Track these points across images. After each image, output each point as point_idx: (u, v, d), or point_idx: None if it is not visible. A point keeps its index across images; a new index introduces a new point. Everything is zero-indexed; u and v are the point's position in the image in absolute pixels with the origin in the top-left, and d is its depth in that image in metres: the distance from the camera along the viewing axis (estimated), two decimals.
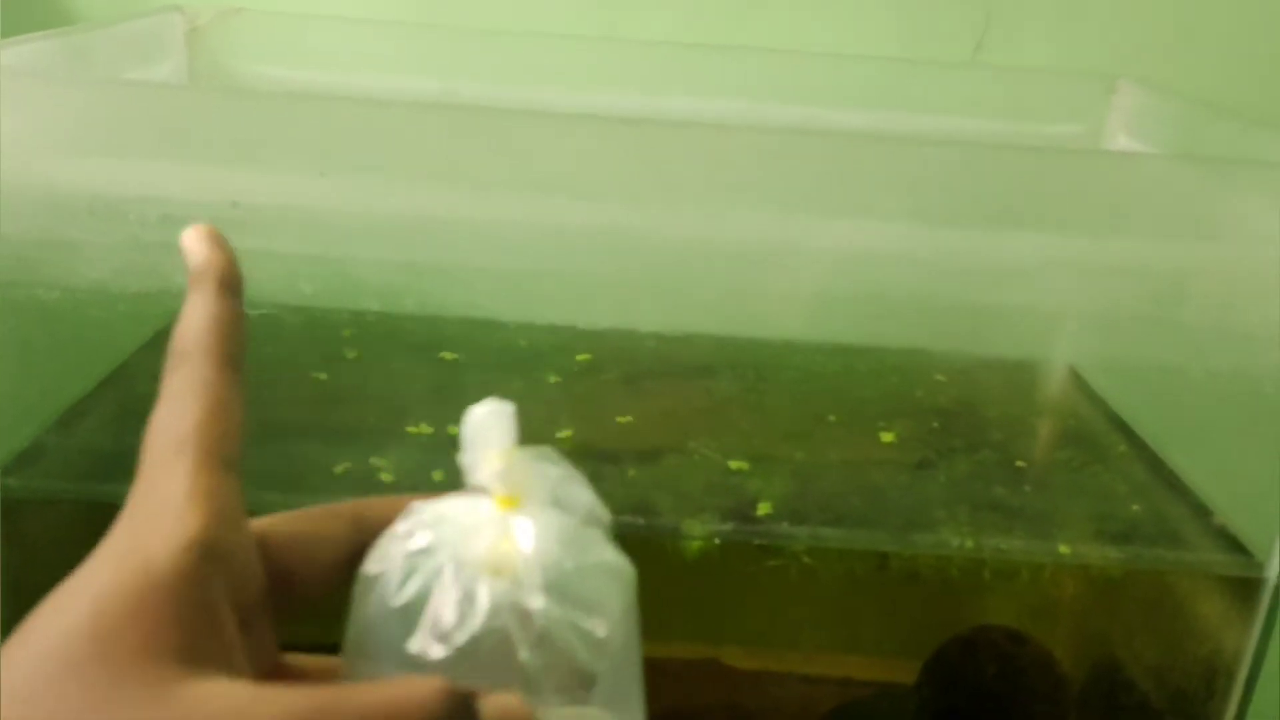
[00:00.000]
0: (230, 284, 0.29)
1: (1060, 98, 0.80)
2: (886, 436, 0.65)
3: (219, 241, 0.29)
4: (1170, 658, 0.61)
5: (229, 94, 0.65)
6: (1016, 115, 0.80)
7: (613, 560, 0.29)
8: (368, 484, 0.55)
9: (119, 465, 0.56)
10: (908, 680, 0.71)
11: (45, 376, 0.57)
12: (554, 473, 0.29)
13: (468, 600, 0.26)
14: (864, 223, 0.55)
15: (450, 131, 0.50)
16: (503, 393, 0.69)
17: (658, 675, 0.71)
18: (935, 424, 0.68)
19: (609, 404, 0.67)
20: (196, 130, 0.47)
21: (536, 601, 0.26)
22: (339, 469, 0.56)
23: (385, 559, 0.27)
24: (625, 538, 0.55)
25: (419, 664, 0.26)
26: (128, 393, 0.63)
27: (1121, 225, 0.53)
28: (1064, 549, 0.54)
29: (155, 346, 0.69)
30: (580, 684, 0.27)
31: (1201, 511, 0.59)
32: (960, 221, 0.54)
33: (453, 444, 0.61)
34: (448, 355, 0.72)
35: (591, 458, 0.60)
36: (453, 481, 0.57)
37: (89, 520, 0.61)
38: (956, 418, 0.69)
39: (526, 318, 0.77)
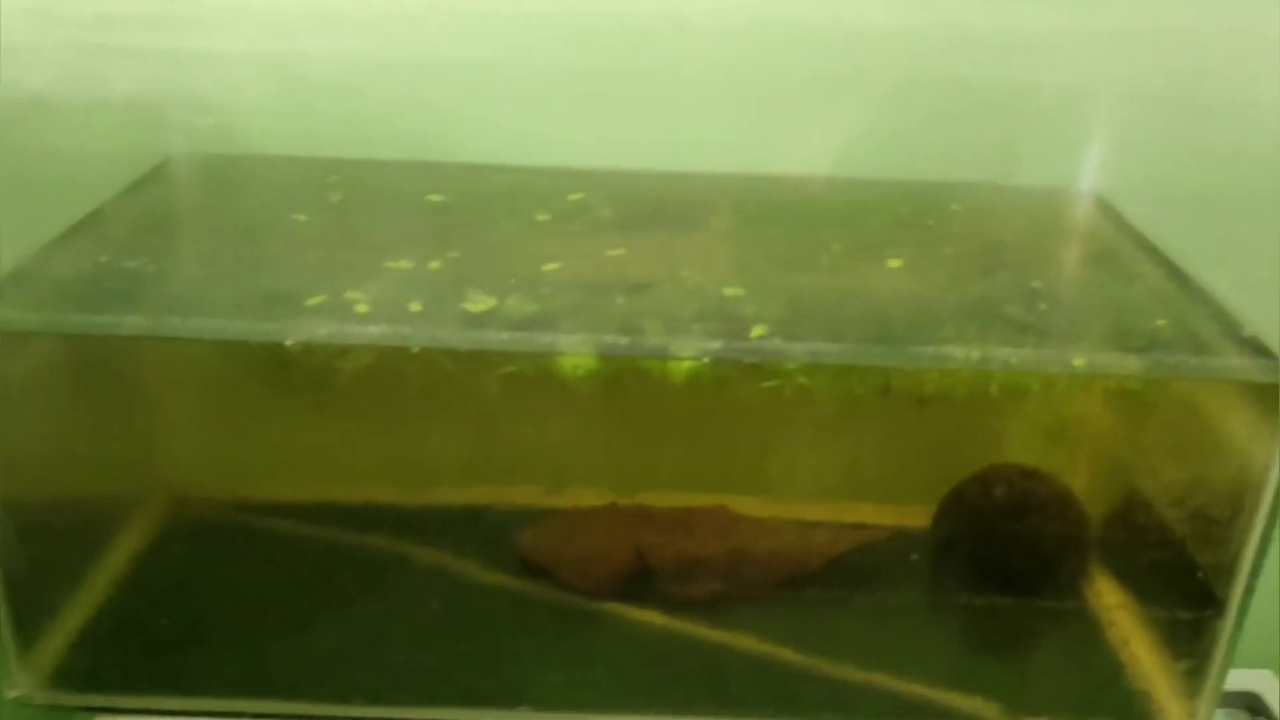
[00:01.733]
0: None
1: None
2: (894, 263, 0.62)
3: None
4: (1195, 480, 0.57)
5: None
6: None
7: None
8: (342, 314, 0.53)
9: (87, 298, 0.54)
10: (922, 525, 0.69)
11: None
12: None
13: None
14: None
15: None
16: (488, 231, 0.66)
17: (664, 523, 0.70)
18: (948, 250, 0.64)
19: (600, 239, 0.64)
20: None
21: None
22: (313, 301, 0.54)
23: None
24: (614, 363, 0.53)
25: None
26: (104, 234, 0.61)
27: None
28: (1079, 361, 0.50)
29: (133, 191, 0.67)
30: None
31: (1232, 325, 0.55)
32: None
33: (433, 278, 0.59)
34: (435, 198, 0.69)
35: (578, 288, 0.57)
36: (429, 312, 0.54)
37: (60, 359, 0.60)
38: (971, 244, 0.65)
39: (520, 160, 0.74)
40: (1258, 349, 0.52)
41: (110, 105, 0.50)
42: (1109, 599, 0.65)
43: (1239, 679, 0.84)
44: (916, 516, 0.70)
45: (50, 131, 0.52)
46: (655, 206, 0.70)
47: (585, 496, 0.70)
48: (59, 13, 0.41)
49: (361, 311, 0.53)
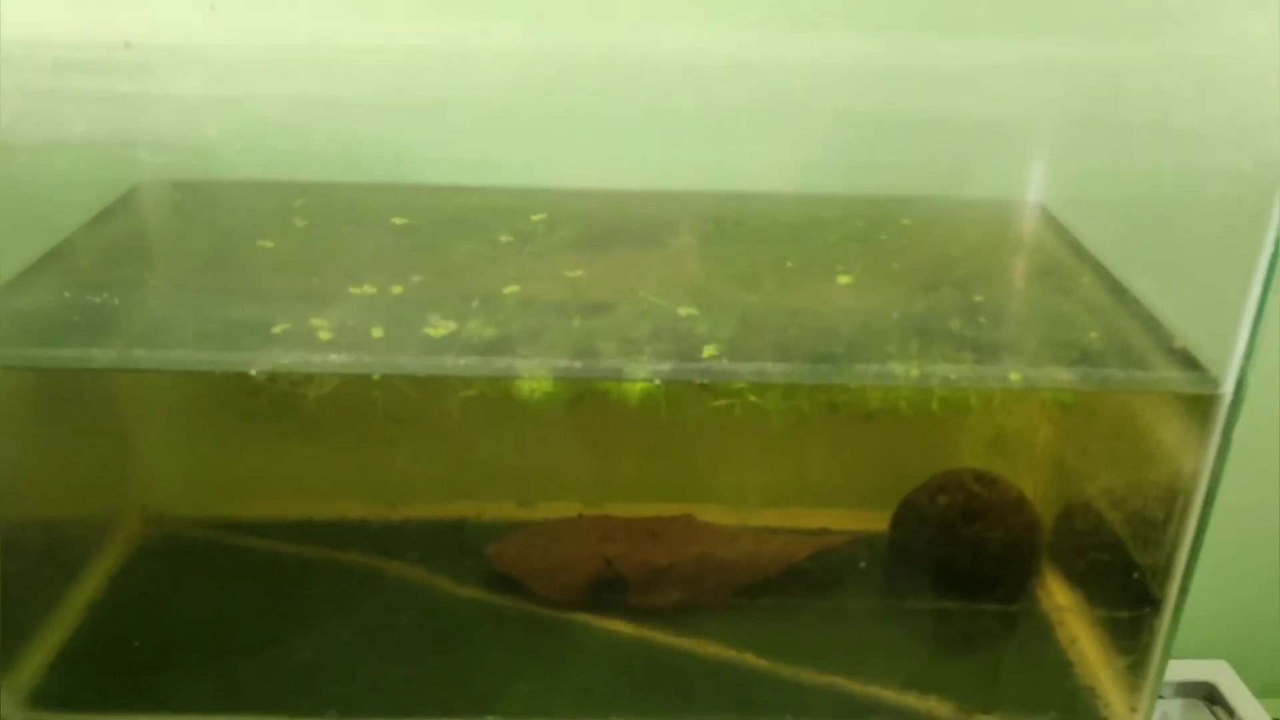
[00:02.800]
0: None
1: None
2: (844, 279, 0.64)
3: None
4: (1133, 485, 0.60)
5: None
6: None
7: None
8: (306, 343, 0.55)
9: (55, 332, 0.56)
10: (877, 530, 0.71)
11: None
12: None
13: None
14: (820, 37, 0.52)
15: None
16: (450, 253, 0.68)
17: (631, 533, 0.71)
18: (896, 265, 0.66)
19: (560, 260, 0.66)
20: None
21: None
22: (277, 329, 0.55)
23: None
24: (570, 385, 0.55)
25: None
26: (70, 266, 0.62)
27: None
28: (1014, 375, 0.53)
29: (99, 222, 0.68)
30: None
31: (1163, 337, 0.57)
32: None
33: (396, 303, 0.61)
34: (399, 220, 0.71)
35: (536, 310, 0.59)
36: (391, 337, 0.56)
37: (34, 389, 0.61)
38: (919, 259, 0.67)
39: (484, 181, 0.75)
40: (1186, 361, 0.54)
41: (70, 144, 0.52)
42: (1059, 599, 0.67)
43: (1196, 670, 0.87)
44: (872, 522, 0.72)
45: (10, 169, 0.54)
46: (616, 225, 0.72)
47: (551, 510, 0.72)
48: (13, 58, 0.43)
49: (324, 339, 0.55)
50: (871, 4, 0.69)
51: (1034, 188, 0.74)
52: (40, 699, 0.61)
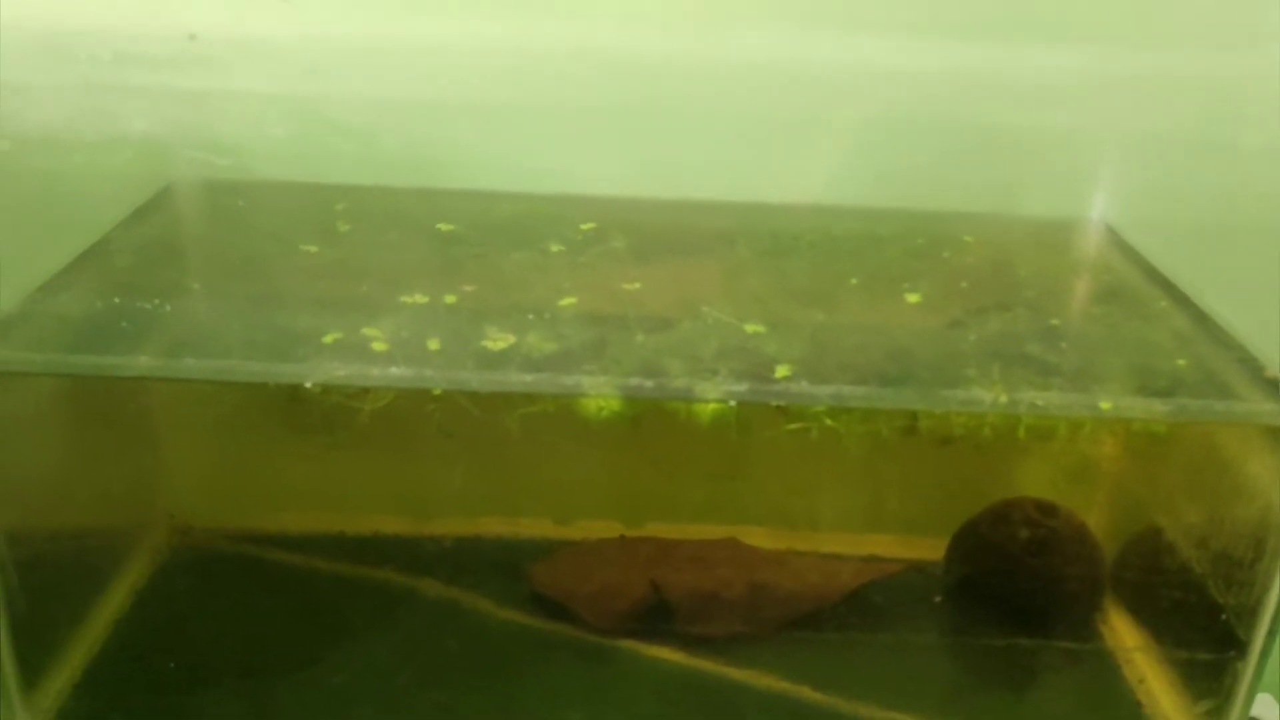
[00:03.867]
0: None
1: None
2: (912, 298, 0.61)
3: None
4: (1215, 520, 0.57)
5: None
6: None
7: None
8: (360, 354, 0.52)
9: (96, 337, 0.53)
10: (935, 559, 0.69)
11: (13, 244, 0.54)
12: None
13: None
14: (886, 40, 0.50)
15: None
16: (501, 262, 0.65)
17: (679, 558, 0.69)
18: (964, 284, 0.64)
19: (615, 271, 0.63)
20: None
21: None
22: (328, 339, 0.53)
23: None
24: (636, 404, 0.52)
25: None
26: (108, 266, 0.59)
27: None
28: (1105, 405, 0.50)
29: (137, 220, 0.65)
30: None
31: (1251, 365, 0.55)
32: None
33: (449, 313, 0.58)
34: (444, 227, 0.68)
35: (597, 324, 0.56)
36: (448, 350, 0.53)
37: (64, 393, 0.59)
38: (986, 278, 0.65)
39: (528, 188, 0.73)
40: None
41: (115, 140, 0.49)
42: (1124, 637, 0.65)
43: None
44: (923, 550, 0.70)
45: (54, 164, 0.51)
46: (668, 236, 0.70)
47: (591, 529, 0.69)
48: (74, 52, 0.40)
49: (379, 350, 0.52)
50: (932, 10, 0.66)
51: (1099, 205, 0.72)
52: (64, 719, 0.58)
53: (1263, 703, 0.91)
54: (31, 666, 0.57)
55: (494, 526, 0.70)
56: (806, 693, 0.61)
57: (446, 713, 0.60)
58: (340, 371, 0.49)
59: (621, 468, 0.66)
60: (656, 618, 0.64)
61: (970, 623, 0.66)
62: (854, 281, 0.64)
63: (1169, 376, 0.53)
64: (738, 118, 0.70)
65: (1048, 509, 0.65)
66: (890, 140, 0.72)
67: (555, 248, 0.66)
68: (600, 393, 0.50)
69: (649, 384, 0.50)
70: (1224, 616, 0.56)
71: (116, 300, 0.53)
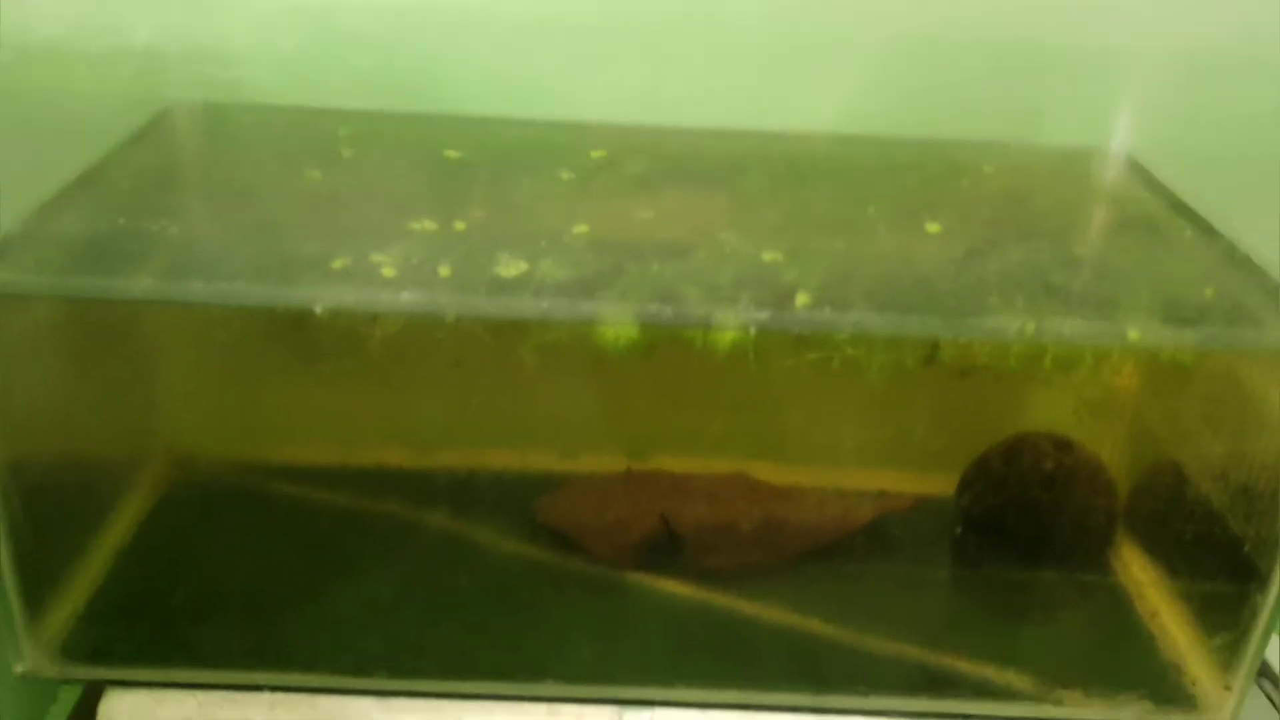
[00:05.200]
0: None
1: None
2: (932, 227, 0.60)
3: None
4: (1236, 453, 0.56)
5: None
6: None
7: None
8: (369, 279, 0.51)
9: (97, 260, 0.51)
10: (949, 494, 0.68)
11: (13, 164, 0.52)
12: None
13: None
14: None
15: None
16: (511, 189, 0.63)
17: (686, 490, 0.68)
18: (984, 214, 0.63)
19: (627, 200, 0.62)
20: None
21: None
22: (336, 264, 0.51)
23: None
24: (653, 332, 0.51)
25: None
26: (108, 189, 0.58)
27: None
28: (1133, 334, 0.49)
29: (138, 142, 0.63)
30: None
31: None
32: None
33: (460, 240, 0.57)
34: (452, 153, 0.66)
35: (611, 251, 0.55)
36: (460, 276, 0.52)
37: (65, 320, 0.57)
38: (1007, 207, 0.64)
39: (537, 115, 0.71)
40: None
41: (118, 52, 0.47)
42: (1136, 571, 0.64)
43: None
44: (933, 485, 0.69)
45: (55, 80, 0.49)
46: (681, 164, 0.68)
47: (597, 463, 0.68)
48: None
49: (388, 275, 0.51)
50: None
51: (1123, 133, 0.70)
52: (70, 651, 0.58)
53: (1272, 645, 0.91)
54: (35, 597, 0.57)
55: (501, 459, 0.69)
56: (819, 625, 0.61)
57: (456, 646, 0.60)
58: (350, 296, 0.48)
59: (633, 400, 0.65)
60: (666, 551, 0.64)
61: (982, 556, 0.65)
62: (872, 210, 0.62)
63: (1196, 306, 0.52)
64: (755, 41, 0.68)
65: (1062, 443, 0.64)
66: (910, 65, 0.70)
67: (566, 175, 0.64)
68: (617, 319, 0.49)
69: (667, 310, 0.49)
70: (1245, 549, 0.55)
71: (118, 223, 0.52)
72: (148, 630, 0.59)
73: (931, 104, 0.71)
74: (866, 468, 0.70)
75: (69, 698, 0.70)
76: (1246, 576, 0.55)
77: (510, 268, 0.52)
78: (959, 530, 0.65)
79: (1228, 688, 0.56)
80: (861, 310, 0.49)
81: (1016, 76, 0.71)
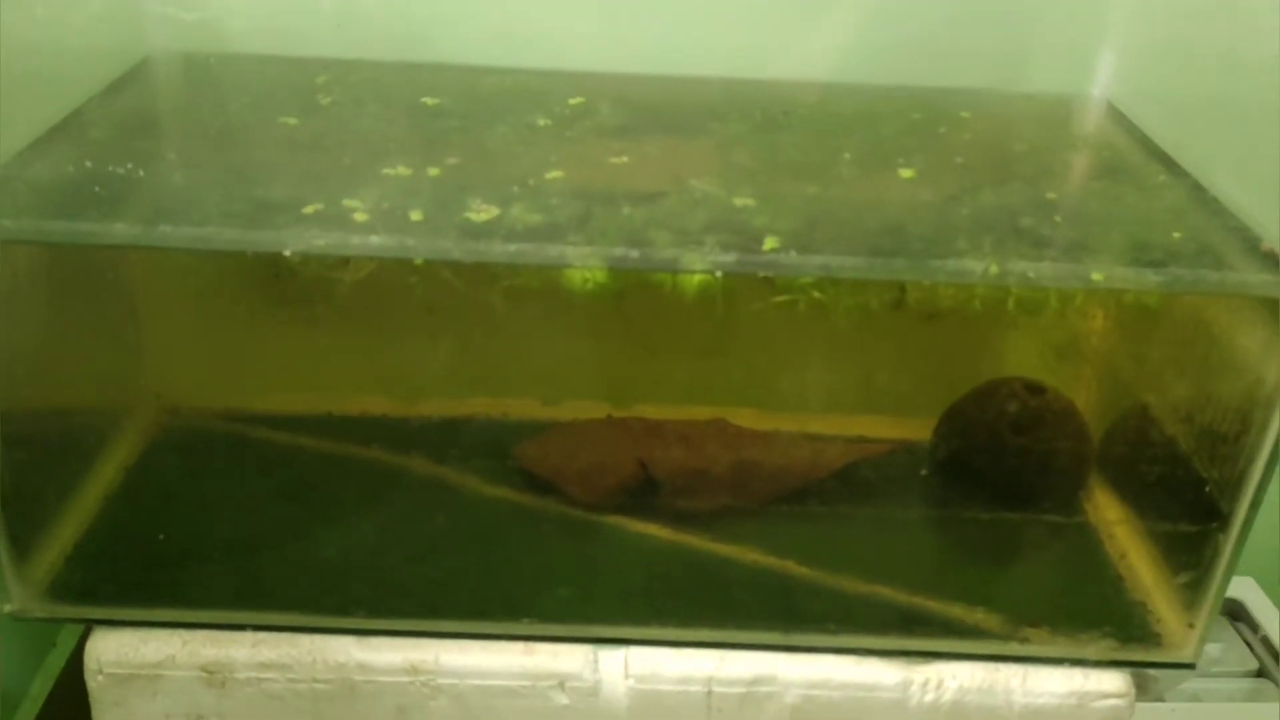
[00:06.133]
0: None
1: None
2: (905, 173, 0.60)
3: None
4: (1202, 395, 0.57)
5: None
6: None
7: None
8: (341, 223, 0.51)
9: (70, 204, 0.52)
10: (923, 439, 0.69)
11: None
12: None
13: None
14: None
15: None
16: (487, 136, 0.64)
17: (665, 435, 0.69)
18: (959, 159, 0.63)
19: (602, 146, 0.62)
20: None
21: None
22: (308, 209, 0.52)
23: None
24: (623, 276, 0.52)
25: None
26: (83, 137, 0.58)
27: None
28: (1097, 275, 0.49)
29: (113, 92, 0.64)
30: None
31: (1249, 238, 0.54)
32: None
33: (433, 186, 0.57)
34: (429, 100, 0.66)
35: (583, 197, 0.55)
36: (431, 221, 0.53)
37: (45, 266, 0.58)
38: (983, 153, 0.64)
39: (514, 62, 0.71)
40: (1277, 265, 0.51)
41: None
42: (1107, 513, 0.65)
43: None
44: (910, 430, 0.70)
45: (27, 27, 0.49)
46: (657, 112, 0.68)
47: (578, 409, 0.69)
48: None
49: (360, 220, 0.51)
50: None
51: (1101, 80, 0.70)
52: (58, 592, 0.59)
53: (1245, 585, 0.92)
54: (23, 540, 0.58)
55: (482, 405, 0.70)
56: (792, 566, 0.62)
57: (435, 586, 0.61)
58: (320, 240, 0.48)
59: (607, 347, 0.65)
60: (644, 494, 0.65)
61: (956, 498, 0.66)
62: (847, 156, 0.63)
63: (1163, 249, 0.52)
64: None
65: (1035, 388, 0.65)
66: (893, 12, 0.70)
67: (542, 122, 0.64)
68: (585, 263, 0.49)
69: (634, 254, 0.49)
70: (1208, 490, 0.56)
71: (91, 168, 0.52)
72: (134, 572, 0.61)
73: (914, 51, 0.71)
74: (845, 414, 0.70)
75: (67, 644, 0.72)
76: (1210, 517, 0.56)
77: (481, 213, 0.52)
78: (924, 472, 0.66)
79: (1191, 625, 0.57)
80: (828, 253, 0.50)
81: (999, 23, 0.71)
